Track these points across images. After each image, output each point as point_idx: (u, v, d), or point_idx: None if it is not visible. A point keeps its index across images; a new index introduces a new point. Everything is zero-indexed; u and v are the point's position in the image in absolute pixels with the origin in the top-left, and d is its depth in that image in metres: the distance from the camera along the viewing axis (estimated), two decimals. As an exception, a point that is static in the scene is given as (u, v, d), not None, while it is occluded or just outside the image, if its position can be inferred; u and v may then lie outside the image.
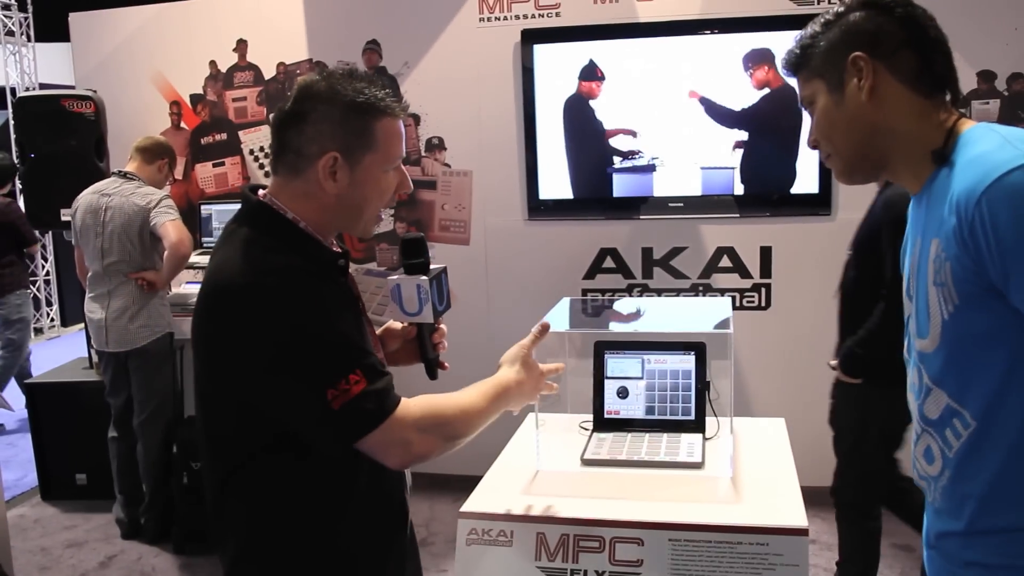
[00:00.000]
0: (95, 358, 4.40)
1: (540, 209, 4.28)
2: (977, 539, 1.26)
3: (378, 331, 1.79)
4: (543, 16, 4.16)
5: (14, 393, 4.97)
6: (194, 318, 1.47)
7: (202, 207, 4.65)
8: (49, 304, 9.03)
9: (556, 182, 4.25)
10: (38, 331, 8.93)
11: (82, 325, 4.29)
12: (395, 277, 1.65)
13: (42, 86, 8.30)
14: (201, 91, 4.75)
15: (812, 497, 3.88)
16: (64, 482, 4.55)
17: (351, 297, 1.57)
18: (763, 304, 4.12)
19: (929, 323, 1.27)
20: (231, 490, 1.50)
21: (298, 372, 1.36)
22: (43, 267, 8.87)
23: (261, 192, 1.51)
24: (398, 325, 1.80)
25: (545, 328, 1.74)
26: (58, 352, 7.32)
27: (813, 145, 1.43)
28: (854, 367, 2.99)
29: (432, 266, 1.67)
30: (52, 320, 9.06)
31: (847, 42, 1.34)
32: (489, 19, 4.23)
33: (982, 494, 1.25)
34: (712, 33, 3.99)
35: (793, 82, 1.47)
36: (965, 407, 1.25)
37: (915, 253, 1.34)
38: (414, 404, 1.44)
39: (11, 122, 4.43)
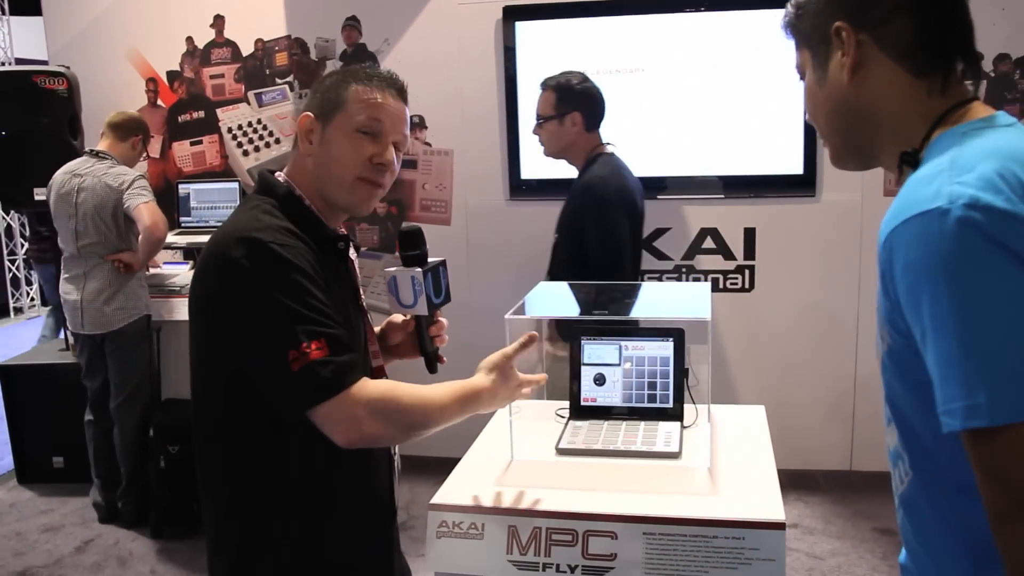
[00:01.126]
0: (71, 340, 4.34)
1: (522, 189, 4.23)
2: None
3: (382, 324, 1.82)
4: (525, -8, 4.09)
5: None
6: (192, 279, 1.52)
7: (180, 186, 4.57)
8: (29, 283, 8.93)
9: (538, 162, 4.19)
10: (17, 311, 8.84)
11: (61, 306, 4.21)
12: (392, 269, 1.65)
13: (18, 61, 8.16)
14: (178, 68, 4.66)
15: (795, 480, 3.95)
16: (41, 465, 4.49)
17: (348, 283, 1.60)
18: (747, 286, 4.09)
19: (878, 354, 1.11)
20: (214, 460, 1.53)
21: (267, 328, 1.39)
22: (22, 245, 8.76)
23: (278, 172, 1.60)
24: (399, 318, 1.80)
25: (532, 339, 1.68)
26: (38, 331, 7.23)
27: (809, 121, 1.24)
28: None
29: (431, 259, 1.67)
30: (32, 299, 8.96)
31: (833, 7, 1.12)
32: (470, -5, 4.16)
33: (921, 543, 1.12)
34: (699, 11, 3.92)
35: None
36: (906, 452, 1.10)
37: None
38: (373, 385, 1.44)
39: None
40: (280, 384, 1.39)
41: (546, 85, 3.08)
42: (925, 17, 1.07)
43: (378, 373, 1.68)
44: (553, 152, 3.12)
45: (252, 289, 1.40)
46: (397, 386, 1.48)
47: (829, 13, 1.12)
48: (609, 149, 3.08)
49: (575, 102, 3.02)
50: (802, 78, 1.21)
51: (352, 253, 1.66)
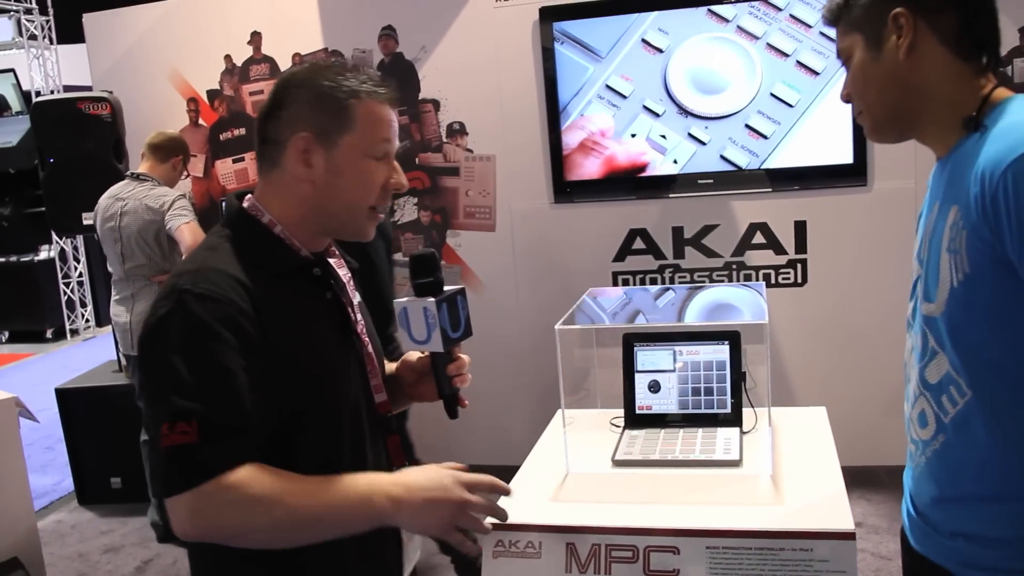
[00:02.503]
0: (124, 361, 4.38)
1: (566, 192, 4.17)
2: (965, 507, 1.28)
3: (396, 363, 1.62)
4: (561, -7, 4.03)
5: (44, 400, 4.96)
6: None
7: (224, 204, 4.60)
8: (83, 305, 9.07)
9: (582, 164, 4.13)
10: (73, 332, 8.99)
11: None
12: (402, 300, 1.45)
13: (66, 88, 8.31)
14: (218, 86, 4.69)
15: (857, 478, 3.82)
16: (99, 486, 4.54)
17: (330, 312, 1.42)
18: (799, 280, 3.99)
19: (938, 288, 1.27)
20: None
21: (152, 389, 1.27)
22: (76, 268, 8.91)
23: (247, 196, 1.42)
24: (415, 355, 1.58)
25: (503, 491, 1.48)
26: (94, 353, 7.36)
27: (846, 99, 1.40)
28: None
29: (447, 287, 1.47)
30: (87, 321, 9.11)
31: None
32: (505, -2, 4.12)
33: (971, 462, 1.26)
34: (737, 2, 3.83)
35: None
36: (962, 375, 1.25)
37: (931, 218, 1.32)
38: (242, 473, 1.24)
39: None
40: (151, 455, 1.27)
41: None
42: (967, 13, 1.28)
43: (382, 409, 1.50)
44: None
45: (156, 342, 1.27)
46: (272, 482, 1.26)
47: (887, 2, 1.29)
48: None
49: None
50: (843, 61, 1.38)
51: (345, 274, 1.50)
